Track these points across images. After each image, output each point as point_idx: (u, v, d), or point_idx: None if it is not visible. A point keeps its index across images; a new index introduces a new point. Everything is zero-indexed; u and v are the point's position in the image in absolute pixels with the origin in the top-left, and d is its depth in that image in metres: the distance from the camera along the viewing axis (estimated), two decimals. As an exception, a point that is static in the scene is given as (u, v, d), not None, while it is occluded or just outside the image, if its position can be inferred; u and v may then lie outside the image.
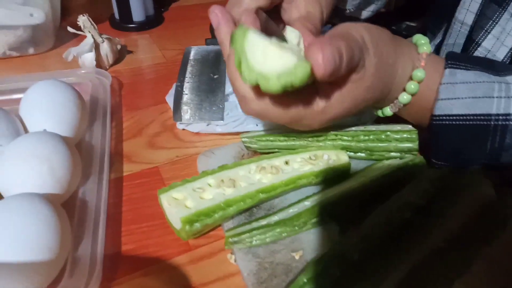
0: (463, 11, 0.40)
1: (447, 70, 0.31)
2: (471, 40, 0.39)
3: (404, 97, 0.32)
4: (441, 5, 0.47)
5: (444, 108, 0.30)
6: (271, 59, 0.24)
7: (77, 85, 0.44)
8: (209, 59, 0.53)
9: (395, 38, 0.32)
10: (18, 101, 0.38)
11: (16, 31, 0.53)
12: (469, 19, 0.40)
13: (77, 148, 0.35)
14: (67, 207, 0.30)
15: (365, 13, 0.51)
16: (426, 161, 0.33)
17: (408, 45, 0.33)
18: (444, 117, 0.31)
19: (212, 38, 0.59)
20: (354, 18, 0.53)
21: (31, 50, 0.56)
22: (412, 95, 0.32)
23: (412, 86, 0.31)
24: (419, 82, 0.31)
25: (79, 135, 0.38)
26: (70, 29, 0.50)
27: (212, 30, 0.60)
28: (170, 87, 0.49)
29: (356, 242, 0.25)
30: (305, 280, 0.24)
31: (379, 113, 0.34)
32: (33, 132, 0.34)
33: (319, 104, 0.29)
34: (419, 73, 0.31)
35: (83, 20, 0.49)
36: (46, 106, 0.36)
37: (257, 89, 0.27)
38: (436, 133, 0.31)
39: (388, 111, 0.34)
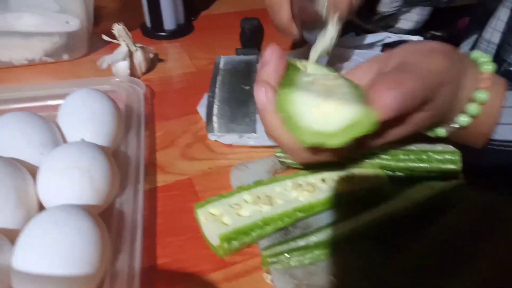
0: (490, 30, 0.39)
1: (508, 93, 0.29)
2: (499, 59, 0.38)
3: (464, 120, 0.30)
4: (469, 26, 0.46)
5: (506, 133, 0.29)
6: (328, 115, 0.23)
7: (112, 93, 0.44)
8: (240, 70, 0.53)
9: (459, 56, 0.30)
10: (54, 107, 0.39)
11: (52, 37, 0.54)
12: (496, 38, 0.39)
13: (113, 157, 0.35)
14: (104, 217, 0.30)
15: (408, 24, 0.49)
16: (471, 185, 0.32)
17: (471, 63, 0.30)
18: (505, 143, 0.29)
19: (243, 48, 0.59)
20: (381, 23, 0.50)
21: (65, 56, 0.57)
22: (473, 117, 0.30)
23: (473, 108, 0.29)
24: (481, 104, 0.29)
25: (115, 145, 0.38)
26: (105, 37, 0.50)
27: (242, 39, 0.61)
28: (200, 97, 0.49)
29: (400, 267, 0.24)
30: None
31: (430, 133, 0.33)
32: (72, 142, 0.34)
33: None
34: (482, 94, 0.29)
35: (118, 29, 0.49)
36: (84, 115, 0.36)
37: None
38: (492, 158, 0.30)
39: (442, 132, 0.32)
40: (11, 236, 0.27)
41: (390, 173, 0.35)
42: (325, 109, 0.23)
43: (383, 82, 0.24)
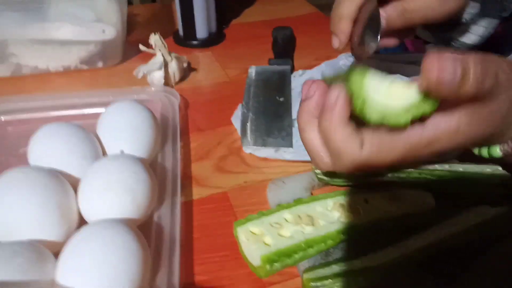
0: None
1: None
2: None
3: None
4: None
5: None
6: (396, 96, 0.24)
7: (147, 102, 0.44)
8: (273, 81, 0.52)
9: None
10: (91, 116, 0.40)
11: (88, 46, 0.55)
12: None
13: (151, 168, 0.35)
14: (142, 231, 0.30)
15: (472, 38, 0.47)
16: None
17: None
18: None
19: (275, 58, 0.58)
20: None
21: (100, 64, 0.58)
22: None
23: None
24: None
25: (152, 156, 0.38)
26: (142, 47, 0.51)
27: (274, 49, 0.60)
28: (234, 107, 0.49)
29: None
30: None
31: (483, 152, 0.31)
32: (113, 155, 0.34)
33: (423, 135, 0.25)
34: None
35: (155, 39, 0.50)
36: (124, 127, 0.36)
37: (356, 143, 0.26)
38: None
39: (497, 151, 0.30)
40: (53, 248, 0.27)
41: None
42: (392, 90, 0.24)
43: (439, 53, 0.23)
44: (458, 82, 0.22)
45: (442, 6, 0.34)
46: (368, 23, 0.33)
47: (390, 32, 0.36)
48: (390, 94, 0.25)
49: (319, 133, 0.27)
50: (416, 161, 0.28)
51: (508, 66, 0.27)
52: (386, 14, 0.34)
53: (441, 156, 0.28)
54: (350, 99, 0.25)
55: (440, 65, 0.22)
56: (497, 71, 0.25)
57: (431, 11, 0.34)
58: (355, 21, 0.35)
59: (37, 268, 0.25)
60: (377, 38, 0.32)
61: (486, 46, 0.43)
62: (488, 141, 0.30)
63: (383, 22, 0.33)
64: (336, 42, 0.35)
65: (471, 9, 0.42)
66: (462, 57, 0.23)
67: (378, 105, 0.24)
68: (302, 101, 0.29)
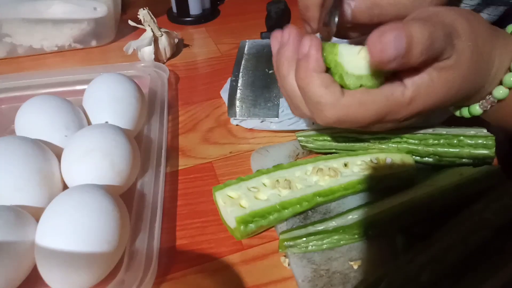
0: None
1: None
2: None
3: (500, 92, 0.28)
4: None
5: None
6: (366, 60, 0.26)
7: (136, 78, 0.45)
8: (264, 54, 0.52)
9: (491, 26, 0.28)
10: (81, 92, 0.40)
11: (81, 24, 0.56)
12: None
13: (136, 140, 0.35)
14: (125, 199, 0.30)
15: None
16: (505, 172, 0.30)
17: (504, 34, 0.29)
18: None
19: (267, 32, 0.58)
20: None
21: (93, 43, 0.58)
22: (510, 88, 0.28)
23: (511, 78, 0.28)
24: None
25: (138, 128, 0.39)
26: (130, 22, 0.51)
27: (267, 23, 0.59)
28: (224, 82, 0.48)
29: (425, 261, 0.23)
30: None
31: (464, 112, 0.31)
32: (96, 124, 0.35)
33: (406, 94, 0.26)
34: None
35: (143, 13, 0.49)
36: (108, 99, 0.37)
37: (336, 92, 0.26)
38: None
39: (477, 109, 0.30)
40: (36, 214, 0.28)
41: (418, 158, 0.33)
42: (362, 56, 0.26)
43: (379, 29, 0.23)
44: (403, 55, 0.23)
45: (417, 7, 0.31)
46: (332, 7, 0.32)
47: (357, 26, 0.33)
48: (361, 59, 0.26)
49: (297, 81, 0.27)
50: (398, 120, 0.28)
51: (476, 24, 0.27)
52: (354, 5, 0.31)
53: (424, 117, 0.28)
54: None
55: (382, 46, 0.22)
56: (447, 31, 0.24)
57: (404, 10, 0.30)
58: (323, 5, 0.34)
59: (17, 230, 0.26)
60: (335, 21, 0.31)
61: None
62: (468, 101, 0.30)
63: (348, 12, 0.32)
64: (308, 29, 0.34)
65: (470, 1, 0.40)
66: (406, 28, 0.22)
67: (353, 70, 0.26)
68: (278, 49, 0.29)
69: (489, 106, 0.29)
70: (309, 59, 0.26)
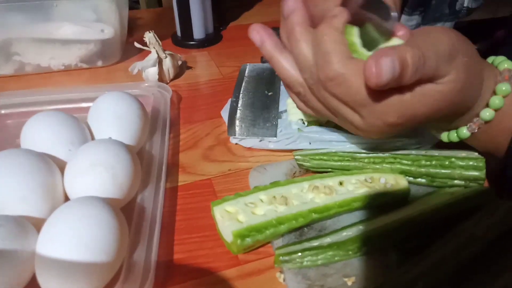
0: None
1: None
2: None
3: (487, 114, 0.29)
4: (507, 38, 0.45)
5: None
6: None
7: (141, 97, 0.46)
8: (264, 76, 0.54)
9: (473, 51, 0.30)
10: (86, 109, 0.41)
11: (88, 45, 0.58)
12: None
13: (138, 156, 0.36)
14: (125, 212, 0.31)
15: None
16: (494, 192, 0.31)
17: (487, 62, 0.31)
18: None
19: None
20: None
21: (99, 63, 0.60)
22: (496, 110, 0.29)
23: (496, 101, 0.29)
24: (504, 97, 0.29)
25: (140, 144, 0.40)
26: (136, 44, 0.53)
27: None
28: (225, 102, 0.50)
29: (420, 273, 0.24)
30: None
31: (452, 136, 0.32)
32: (99, 139, 0.36)
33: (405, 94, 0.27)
34: (503, 87, 0.29)
35: (149, 36, 0.52)
36: (112, 116, 0.38)
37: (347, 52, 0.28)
38: None
39: (464, 132, 0.31)
40: (38, 224, 0.29)
41: (411, 179, 0.34)
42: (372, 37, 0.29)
43: (376, 53, 0.25)
44: (397, 78, 0.25)
45: None
46: None
47: None
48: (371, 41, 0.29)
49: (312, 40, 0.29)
50: (412, 119, 0.28)
51: (464, 47, 0.28)
52: None
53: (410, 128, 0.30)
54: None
55: (378, 70, 0.24)
56: (443, 51, 0.26)
57: None
58: None
59: (19, 240, 0.27)
60: None
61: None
62: (455, 122, 0.31)
63: None
64: None
65: (409, 22, 0.43)
66: (399, 53, 0.24)
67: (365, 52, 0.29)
68: (287, 16, 0.31)
69: (476, 129, 0.30)
70: (335, 18, 0.29)
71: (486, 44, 0.64)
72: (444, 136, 0.33)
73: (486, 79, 0.29)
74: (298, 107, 0.36)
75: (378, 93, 0.27)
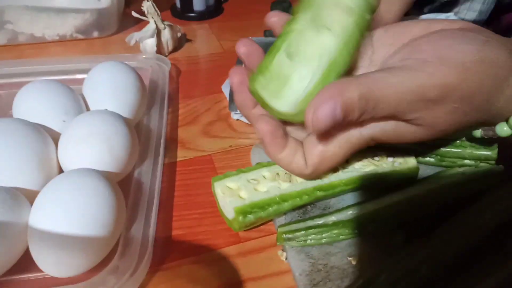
0: None
1: None
2: None
3: (504, 129, 0.25)
4: None
5: None
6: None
7: (138, 69, 0.44)
8: (266, 51, 0.52)
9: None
10: (81, 80, 0.39)
11: (84, 14, 0.55)
12: None
13: (135, 130, 0.35)
14: (122, 186, 0.30)
15: (470, 14, 0.43)
16: (506, 172, 0.30)
17: None
18: None
19: (271, 30, 0.57)
20: None
21: (95, 34, 0.58)
22: None
23: None
24: None
25: (137, 118, 0.38)
26: (134, 14, 0.51)
27: (271, 22, 0.59)
28: (226, 77, 0.48)
29: (425, 256, 0.23)
30: (365, 288, 0.22)
31: (502, 129, 0.26)
32: (95, 110, 0.34)
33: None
34: None
35: (147, 5, 0.49)
36: (108, 86, 0.36)
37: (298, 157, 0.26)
38: None
39: (478, 133, 0.27)
40: (31, 197, 0.27)
41: (419, 158, 0.33)
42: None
43: (326, 89, 0.22)
44: (341, 120, 0.21)
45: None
46: None
47: None
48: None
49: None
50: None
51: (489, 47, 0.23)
52: None
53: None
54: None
55: (317, 119, 0.21)
56: (402, 102, 0.22)
57: None
58: None
59: (10, 211, 0.25)
60: None
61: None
62: (475, 124, 0.26)
63: None
64: None
65: None
66: (341, 95, 0.21)
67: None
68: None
69: (491, 136, 0.27)
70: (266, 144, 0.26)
71: (493, 28, 0.62)
72: (501, 129, 0.26)
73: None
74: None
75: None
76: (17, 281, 0.26)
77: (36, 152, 0.29)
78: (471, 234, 0.24)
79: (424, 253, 0.23)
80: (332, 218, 0.28)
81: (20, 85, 0.40)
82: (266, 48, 0.53)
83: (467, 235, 0.24)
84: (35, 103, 0.34)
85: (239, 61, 0.49)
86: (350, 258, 0.27)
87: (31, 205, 0.26)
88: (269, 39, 0.55)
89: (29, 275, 0.26)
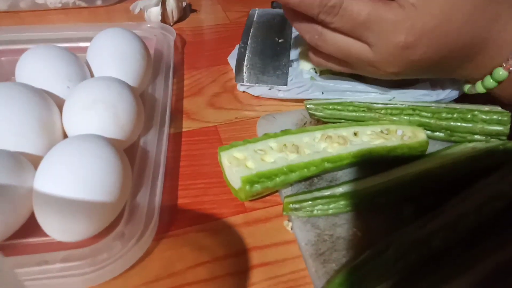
0: None
1: None
2: None
3: (500, 73, 0.27)
4: None
5: None
6: None
7: (142, 38, 0.43)
8: (274, 23, 0.50)
9: None
10: (85, 49, 0.38)
11: (87, -19, 0.54)
12: None
13: (140, 98, 0.34)
14: (127, 154, 0.29)
15: None
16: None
17: None
18: None
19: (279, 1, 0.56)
20: None
21: (99, 2, 0.56)
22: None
23: None
24: None
25: (142, 86, 0.37)
26: (139, -19, 0.49)
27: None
28: (232, 49, 0.47)
29: (437, 228, 0.22)
30: (372, 258, 0.22)
31: (487, 82, 0.29)
32: (100, 76, 0.34)
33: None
34: None
35: (152, -28, 0.48)
36: (113, 53, 0.35)
37: None
38: None
39: (500, 73, 0.28)
40: (35, 162, 0.27)
41: (428, 133, 0.32)
42: None
43: None
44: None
45: None
46: None
47: None
48: None
49: None
50: (425, 37, 0.27)
51: None
52: None
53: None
54: None
55: None
56: None
57: None
58: None
59: (15, 174, 0.25)
60: None
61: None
62: (478, 46, 0.28)
63: None
64: None
65: None
66: None
67: None
68: None
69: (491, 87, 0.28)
70: None
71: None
72: (479, 86, 0.31)
73: (504, 29, 0.27)
74: (312, 61, 0.36)
75: (377, 11, 0.26)
76: (22, 244, 0.26)
77: (40, 117, 0.29)
78: (484, 207, 0.23)
79: (437, 225, 0.23)
80: (340, 190, 0.27)
81: (22, 52, 0.40)
82: (273, 18, 0.52)
83: (481, 208, 0.23)
84: (38, 68, 0.33)
85: (245, 32, 0.48)
86: (356, 230, 0.26)
87: (35, 170, 0.26)
88: (277, 10, 0.53)
89: (35, 239, 0.26)
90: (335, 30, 0.29)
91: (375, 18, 0.26)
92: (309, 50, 0.37)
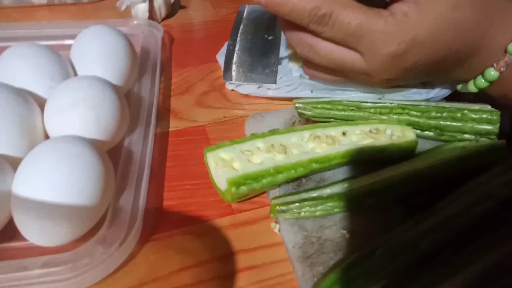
0: None
1: None
2: None
3: (491, 73, 0.27)
4: None
5: None
6: None
7: (129, 36, 0.42)
8: (264, 20, 0.50)
9: None
10: (70, 46, 0.37)
11: (73, -23, 0.53)
12: None
13: (126, 98, 0.33)
14: (111, 156, 0.29)
15: None
16: (508, 147, 0.29)
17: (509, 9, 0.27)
18: None
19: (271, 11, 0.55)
20: None
21: (85, -1, 0.55)
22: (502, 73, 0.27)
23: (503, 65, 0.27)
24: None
25: (128, 85, 0.37)
26: (125, -24, 0.48)
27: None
28: (221, 46, 0.46)
29: (426, 230, 0.22)
30: (360, 261, 0.21)
31: (479, 82, 0.29)
32: (83, 75, 0.33)
33: (390, 19, 0.26)
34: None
35: (139, -32, 0.47)
36: (97, 51, 0.35)
37: None
38: None
39: (492, 73, 0.28)
40: (15, 164, 0.26)
41: (418, 132, 0.32)
42: None
43: None
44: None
45: None
46: None
47: None
48: None
49: None
50: (415, 46, 0.27)
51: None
52: None
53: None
54: None
55: None
56: None
57: None
58: None
59: (-7, 178, 0.24)
60: None
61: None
62: (471, 48, 0.28)
63: None
64: None
65: None
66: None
67: None
68: None
69: (505, 66, 0.27)
70: None
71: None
72: (471, 86, 0.30)
73: (495, 34, 0.27)
74: (306, 73, 0.36)
75: (368, 20, 0.26)
76: (1, 249, 0.25)
77: (20, 117, 0.28)
78: (474, 209, 0.23)
79: (426, 227, 0.23)
80: (327, 191, 0.27)
81: (3, 50, 0.39)
82: (263, 15, 0.51)
83: (470, 210, 0.23)
84: (19, 67, 0.32)
85: (235, 29, 0.47)
86: (345, 232, 0.26)
87: (15, 172, 0.25)
88: (267, 7, 0.53)
89: (13, 243, 0.26)
90: (326, 39, 0.29)
91: (366, 27, 0.26)
92: (303, 64, 0.36)
